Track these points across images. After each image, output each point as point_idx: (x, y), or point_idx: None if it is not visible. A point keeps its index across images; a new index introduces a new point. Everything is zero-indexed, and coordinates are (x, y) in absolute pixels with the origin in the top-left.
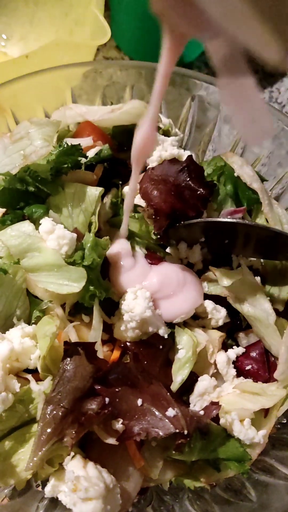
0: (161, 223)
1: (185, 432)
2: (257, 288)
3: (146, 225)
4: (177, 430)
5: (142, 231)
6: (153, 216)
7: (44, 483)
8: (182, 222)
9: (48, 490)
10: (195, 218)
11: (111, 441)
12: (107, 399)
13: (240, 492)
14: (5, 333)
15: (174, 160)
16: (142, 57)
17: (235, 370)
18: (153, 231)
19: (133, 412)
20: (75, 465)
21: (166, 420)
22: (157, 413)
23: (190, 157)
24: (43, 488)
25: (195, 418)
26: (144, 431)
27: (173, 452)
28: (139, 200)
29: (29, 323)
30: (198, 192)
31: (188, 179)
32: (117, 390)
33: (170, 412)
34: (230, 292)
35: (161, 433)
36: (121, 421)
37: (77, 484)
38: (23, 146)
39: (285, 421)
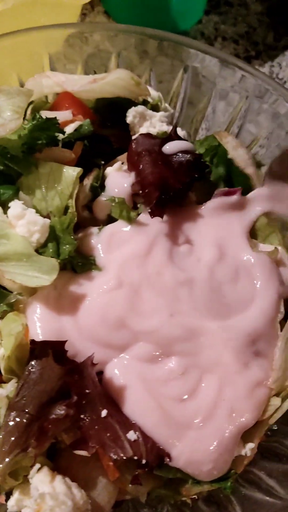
0: (150, 196)
1: (143, 461)
2: None
3: (127, 210)
4: (136, 457)
5: (123, 216)
6: (140, 192)
7: (9, 494)
8: None
9: (11, 505)
10: (187, 188)
11: (82, 452)
12: (75, 397)
13: (224, 507)
14: None
15: (149, 135)
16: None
17: None
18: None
19: (94, 422)
20: (41, 480)
21: (126, 442)
22: (118, 431)
23: (174, 128)
24: (7, 500)
25: (157, 445)
26: (100, 446)
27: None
28: (114, 190)
29: None
30: (188, 157)
31: None
32: (87, 391)
33: (131, 435)
34: None
35: (118, 455)
36: None
37: (41, 504)
38: None
39: (276, 427)
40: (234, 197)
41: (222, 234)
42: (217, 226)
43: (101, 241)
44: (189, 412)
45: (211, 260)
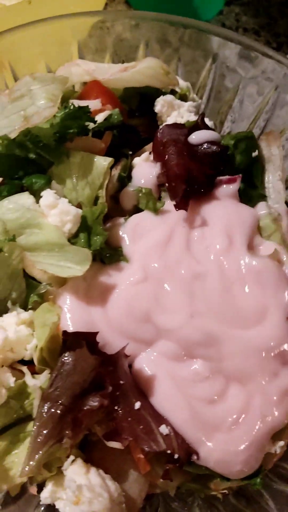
0: (177, 190)
1: (176, 456)
2: None
3: (154, 201)
4: (169, 451)
5: (149, 207)
6: (167, 184)
7: (41, 486)
8: None
9: (45, 497)
10: (212, 179)
11: (115, 444)
12: (110, 388)
13: (255, 500)
14: None
15: (175, 124)
16: None
17: None
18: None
19: (127, 414)
20: (75, 472)
21: (159, 436)
22: (151, 424)
23: (201, 117)
24: (39, 491)
25: (187, 442)
26: (133, 438)
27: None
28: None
29: (25, 308)
30: (215, 148)
31: None
32: (121, 382)
33: (163, 429)
34: None
35: (151, 448)
36: None
37: (79, 496)
38: (24, 106)
39: None
40: (236, 185)
41: (233, 222)
42: (229, 213)
43: (127, 231)
44: (219, 413)
45: (221, 248)
